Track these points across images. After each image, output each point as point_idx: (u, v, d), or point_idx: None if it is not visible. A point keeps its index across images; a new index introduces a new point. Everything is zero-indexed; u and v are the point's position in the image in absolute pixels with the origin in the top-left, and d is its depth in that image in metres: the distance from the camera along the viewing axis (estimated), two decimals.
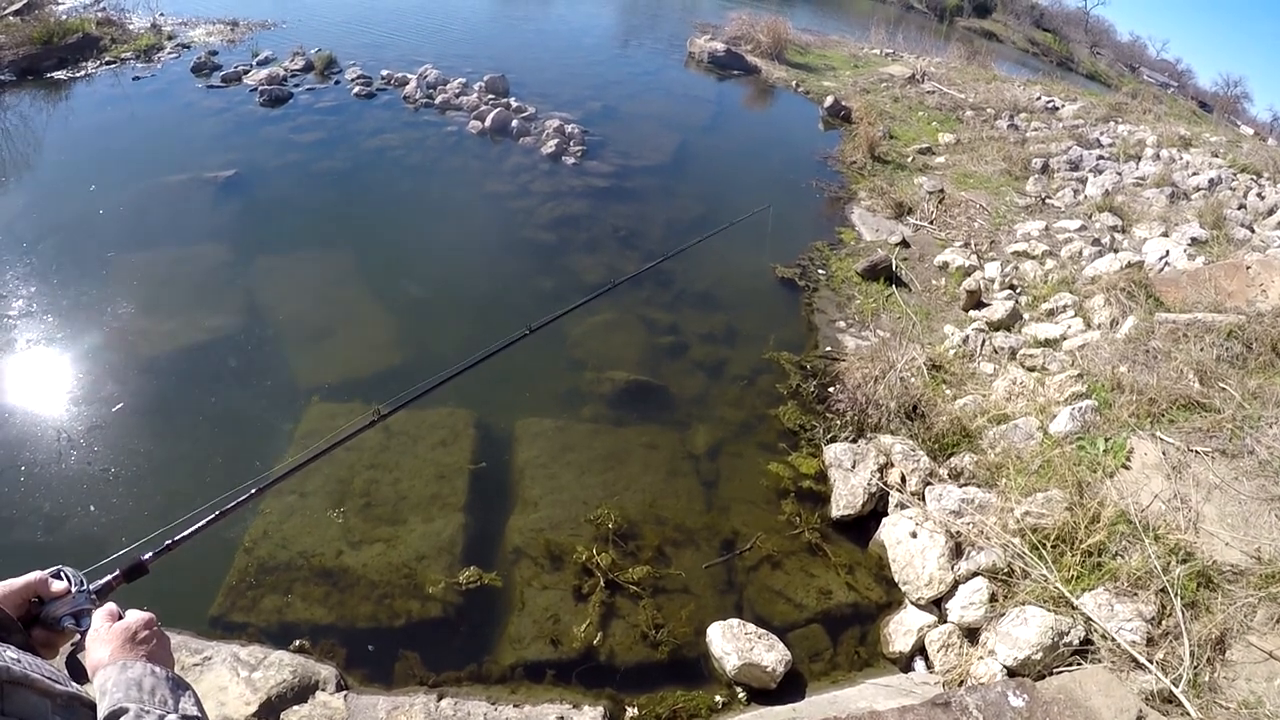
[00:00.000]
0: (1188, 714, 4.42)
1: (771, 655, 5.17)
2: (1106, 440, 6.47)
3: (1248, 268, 8.56)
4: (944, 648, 5.46)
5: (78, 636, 1.70)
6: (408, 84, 14.70)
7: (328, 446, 2.92)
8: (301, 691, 4.59)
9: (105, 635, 1.63)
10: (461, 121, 13.66)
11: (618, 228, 10.89)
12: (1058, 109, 19.56)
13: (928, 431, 7.17)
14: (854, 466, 6.82)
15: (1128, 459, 6.23)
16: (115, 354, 7.17)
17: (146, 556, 2.00)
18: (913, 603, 5.84)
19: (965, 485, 6.51)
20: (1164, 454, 6.17)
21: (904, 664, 5.59)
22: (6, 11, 14.79)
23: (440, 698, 4.72)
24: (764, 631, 5.37)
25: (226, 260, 8.73)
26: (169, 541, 2.10)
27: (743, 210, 9.07)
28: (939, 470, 6.78)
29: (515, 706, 4.75)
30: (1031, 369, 8.01)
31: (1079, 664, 4.87)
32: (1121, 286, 8.85)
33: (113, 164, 10.79)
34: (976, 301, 9.73)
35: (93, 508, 5.70)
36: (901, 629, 5.69)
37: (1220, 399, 6.70)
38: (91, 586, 1.81)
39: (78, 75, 13.87)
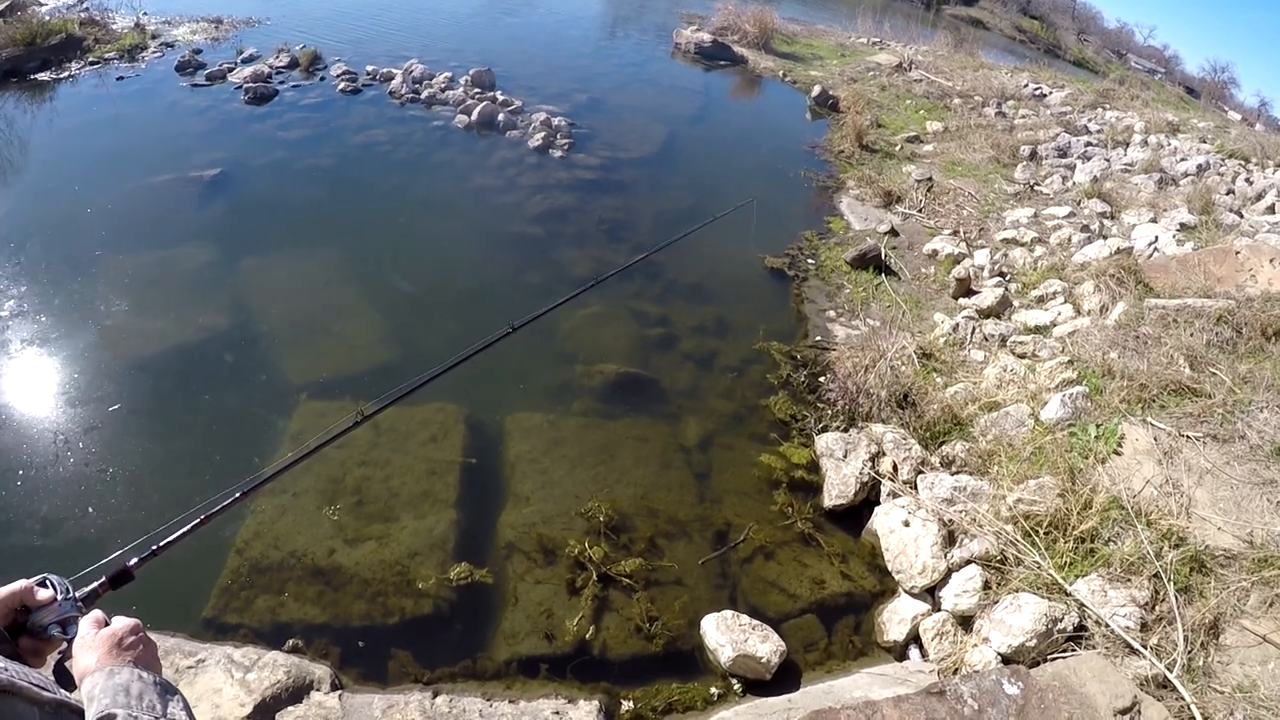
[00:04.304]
0: (1182, 699, 4.43)
1: (766, 646, 5.17)
2: (1098, 426, 6.48)
3: (1237, 253, 8.58)
4: (938, 636, 5.47)
5: (65, 645, 1.70)
6: (393, 79, 14.62)
7: (314, 447, 2.91)
8: (296, 692, 4.57)
9: (92, 642, 1.62)
10: (448, 116, 13.59)
11: (606, 220, 10.87)
12: (1045, 96, 19.56)
13: (919, 420, 7.18)
14: (846, 456, 6.83)
15: (1119, 445, 6.24)
16: (107, 354, 7.15)
17: (132, 563, 2.00)
18: (906, 591, 5.84)
19: (957, 473, 6.52)
20: (1155, 439, 6.19)
21: (899, 653, 5.60)
22: None
23: (435, 695, 4.71)
24: (758, 623, 5.37)
25: (213, 259, 8.68)
26: (155, 547, 2.09)
27: (731, 201, 9.07)
28: (931, 459, 6.78)
29: (510, 702, 4.75)
30: (1022, 356, 8.02)
31: (1073, 650, 4.88)
32: (1111, 273, 8.87)
33: (98, 164, 10.73)
34: (966, 289, 9.74)
35: (90, 509, 5.68)
36: (896, 618, 5.70)
37: (1211, 384, 6.73)
38: (77, 594, 1.81)
39: (61, 76, 13.75)
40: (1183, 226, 10.78)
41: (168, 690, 1.57)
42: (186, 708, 1.57)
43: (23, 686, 1.43)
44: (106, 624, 1.68)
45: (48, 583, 1.77)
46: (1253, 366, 6.92)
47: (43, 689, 1.49)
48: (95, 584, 1.88)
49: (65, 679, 1.62)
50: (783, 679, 5.21)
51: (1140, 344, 7.39)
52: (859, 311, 9.49)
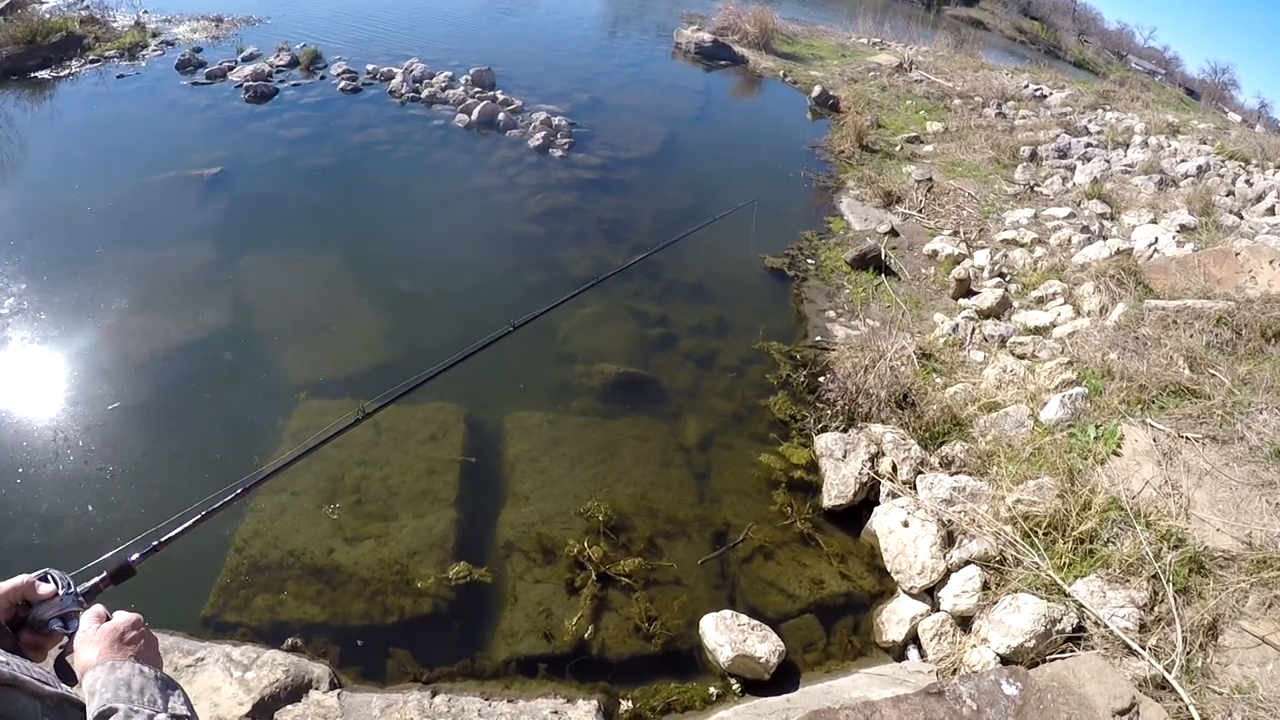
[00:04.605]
0: (1181, 699, 4.43)
1: (765, 646, 5.17)
2: (1097, 427, 6.49)
3: (1236, 254, 8.58)
4: (937, 636, 5.47)
5: (65, 639, 1.70)
6: (394, 78, 14.63)
7: (313, 445, 2.91)
8: (295, 691, 4.57)
9: (93, 636, 1.63)
10: (448, 115, 13.60)
11: (606, 220, 10.87)
12: (1046, 97, 19.56)
13: (918, 420, 7.17)
14: (845, 456, 6.83)
15: (1118, 446, 6.24)
16: (107, 352, 7.16)
17: (134, 558, 2.00)
18: (905, 592, 5.84)
19: (956, 474, 6.52)
20: (1155, 440, 6.19)
21: (897, 653, 5.59)
22: None
23: (434, 694, 4.71)
24: (757, 623, 5.37)
25: (214, 258, 8.69)
26: (156, 543, 2.09)
27: (731, 201, 9.08)
28: (930, 459, 6.78)
29: (509, 701, 4.75)
30: (1022, 356, 8.02)
31: (1072, 651, 4.88)
32: (1111, 274, 8.87)
33: (98, 163, 10.73)
34: (966, 289, 9.74)
35: (90, 507, 5.69)
36: (894, 618, 5.70)
37: (1210, 385, 6.72)
38: (79, 589, 1.82)
39: (62, 74, 13.77)
40: (1183, 228, 10.78)
41: (169, 685, 1.58)
42: (187, 702, 1.57)
43: (24, 680, 1.43)
44: (108, 619, 1.68)
45: (49, 577, 1.77)
46: (1252, 368, 6.93)
47: (44, 683, 1.49)
48: (96, 579, 1.89)
49: (66, 674, 1.63)
50: (781, 679, 5.21)
51: (1140, 345, 7.40)
52: (859, 312, 9.49)
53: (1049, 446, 6.34)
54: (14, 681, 1.41)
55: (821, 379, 7.98)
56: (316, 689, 4.63)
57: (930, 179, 13.39)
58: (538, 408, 7.22)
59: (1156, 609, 5.00)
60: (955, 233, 11.51)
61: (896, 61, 21.42)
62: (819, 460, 6.98)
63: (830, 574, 6.05)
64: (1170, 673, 4.58)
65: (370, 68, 15.08)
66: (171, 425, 6.56)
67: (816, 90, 17.84)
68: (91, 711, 1.46)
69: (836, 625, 5.75)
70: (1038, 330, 8.58)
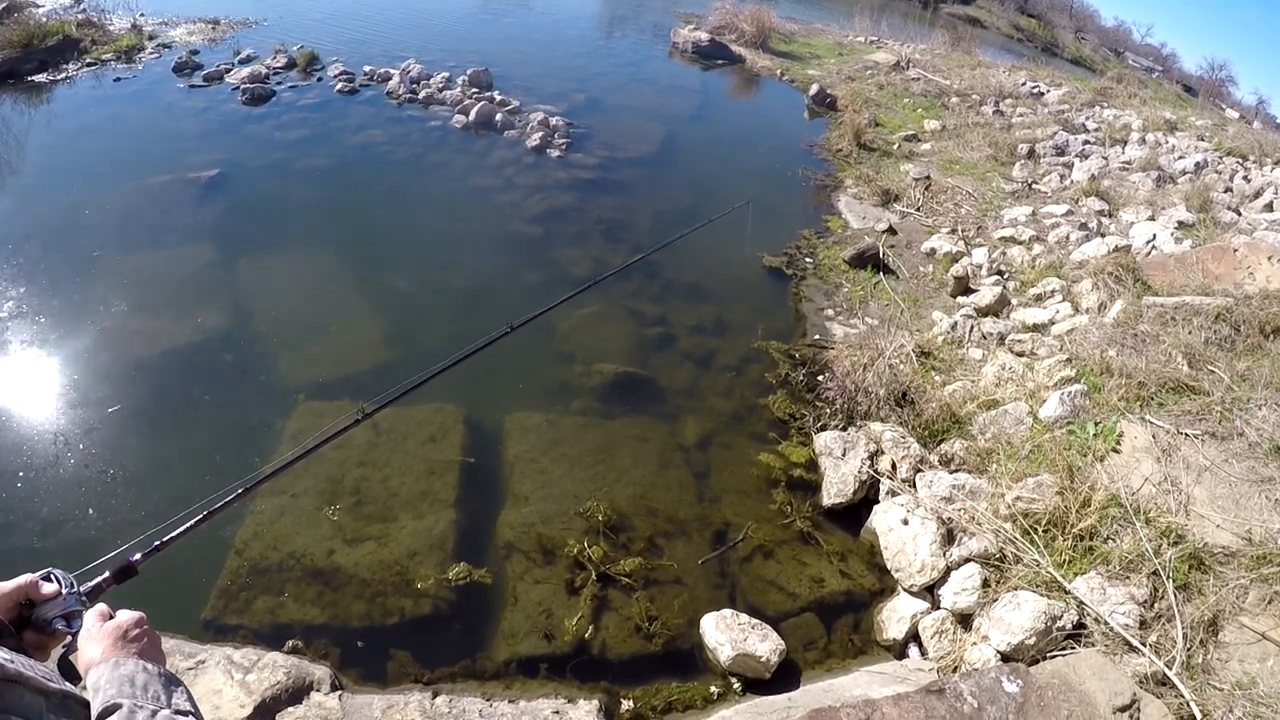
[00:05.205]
0: (1181, 695, 4.44)
1: (765, 645, 5.17)
2: (1096, 424, 6.49)
3: (1235, 250, 8.59)
4: (937, 634, 5.48)
5: (69, 638, 1.71)
6: (391, 79, 14.63)
7: (313, 445, 2.91)
8: (296, 693, 4.57)
9: (97, 634, 1.64)
10: (445, 116, 13.60)
11: (604, 220, 10.87)
12: (1043, 94, 19.56)
13: (918, 418, 7.18)
14: (844, 455, 6.83)
15: (1118, 443, 6.24)
16: (106, 354, 7.15)
17: (136, 558, 2.01)
18: (905, 590, 5.85)
19: (956, 471, 6.52)
20: (1154, 437, 6.19)
21: (898, 651, 5.60)
22: None
23: (435, 695, 4.71)
24: (757, 621, 5.37)
25: (212, 260, 8.68)
26: (158, 542, 2.10)
27: (729, 201, 9.08)
28: (929, 457, 6.78)
29: (510, 702, 4.75)
30: (1020, 354, 8.03)
31: (1072, 648, 4.88)
32: (1109, 271, 8.87)
33: (96, 166, 10.70)
34: (964, 287, 9.74)
35: (90, 510, 5.68)
36: (895, 616, 5.70)
37: (1209, 381, 6.73)
38: (82, 588, 1.83)
39: (58, 78, 13.73)
40: (1181, 224, 10.78)
41: (172, 681, 1.59)
42: (190, 699, 1.58)
43: (29, 677, 1.44)
44: (111, 617, 1.69)
45: (52, 577, 1.78)
46: (1251, 364, 6.93)
47: (48, 680, 1.50)
48: (99, 578, 1.90)
49: (70, 673, 1.64)
50: (782, 678, 5.21)
51: (1138, 342, 7.40)
52: (857, 310, 9.49)
53: (1048, 444, 6.35)
54: (19, 678, 1.42)
55: (820, 377, 7.98)
56: (318, 691, 4.63)
57: (928, 177, 13.39)
58: (537, 408, 7.22)
59: (1157, 605, 5.01)
60: (953, 230, 11.51)
61: (894, 60, 21.41)
62: (818, 459, 6.98)
63: (830, 572, 6.06)
64: (1171, 669, 4.59)
65: (367, 69, 15.07)
66: (171, 428, 6.56)
67: (814, 89, 17.84)
68: (95, 708, 1.47)
69: (837, 624, 5.75)
70: (1036, 327, 8.58)
